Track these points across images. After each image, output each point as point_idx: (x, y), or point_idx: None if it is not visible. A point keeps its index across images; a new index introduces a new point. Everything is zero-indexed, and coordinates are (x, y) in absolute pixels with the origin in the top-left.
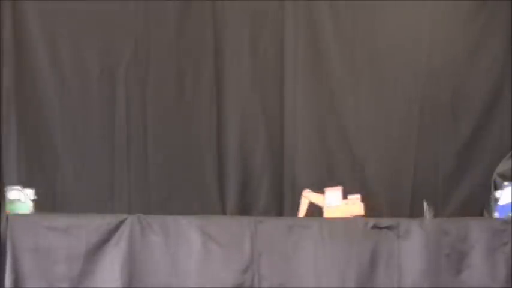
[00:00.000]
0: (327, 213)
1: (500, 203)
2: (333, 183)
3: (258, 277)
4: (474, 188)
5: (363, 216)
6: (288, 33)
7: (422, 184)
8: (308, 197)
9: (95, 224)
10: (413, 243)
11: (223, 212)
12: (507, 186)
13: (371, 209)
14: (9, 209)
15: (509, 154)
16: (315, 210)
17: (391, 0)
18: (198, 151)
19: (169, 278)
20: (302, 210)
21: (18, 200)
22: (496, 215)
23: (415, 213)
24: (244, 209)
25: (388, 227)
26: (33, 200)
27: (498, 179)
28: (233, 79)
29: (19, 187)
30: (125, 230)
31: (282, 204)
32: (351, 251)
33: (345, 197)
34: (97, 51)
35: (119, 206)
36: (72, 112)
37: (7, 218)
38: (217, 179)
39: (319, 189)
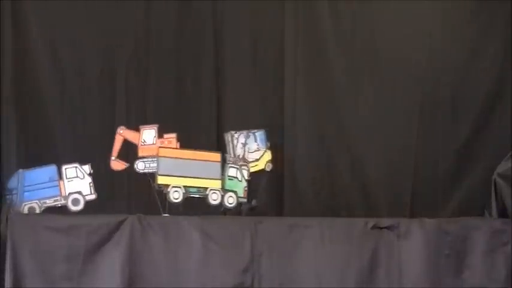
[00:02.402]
0: (141, 152)
1: None
2: (332, 183)
3: (258, 277)
4: (474, 188)
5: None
6: (288, 33)
7: (422, 184)
8: (123, 134)
9: (95, 224)
10: (413, 243)
11: (223, 212)
12: None
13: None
14: (227, 185)
15: (509, 154)
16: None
17: (391, 0)
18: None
19: (170, 278)
20: (116, 148)
21: (236, 177)
22: None
23: (415, 213)
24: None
25: (388, 227)
26: (247, 180)
27: (498, 179)
28: (233, 79)
29: (238, 166)
30: (124, 230)
31: (282, 204)
32: (351, 250)
33: (161, 136)
34: (97, 51)
35: (118, 206)
36: (72, 112)
37: (7, 218)
38: None
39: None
